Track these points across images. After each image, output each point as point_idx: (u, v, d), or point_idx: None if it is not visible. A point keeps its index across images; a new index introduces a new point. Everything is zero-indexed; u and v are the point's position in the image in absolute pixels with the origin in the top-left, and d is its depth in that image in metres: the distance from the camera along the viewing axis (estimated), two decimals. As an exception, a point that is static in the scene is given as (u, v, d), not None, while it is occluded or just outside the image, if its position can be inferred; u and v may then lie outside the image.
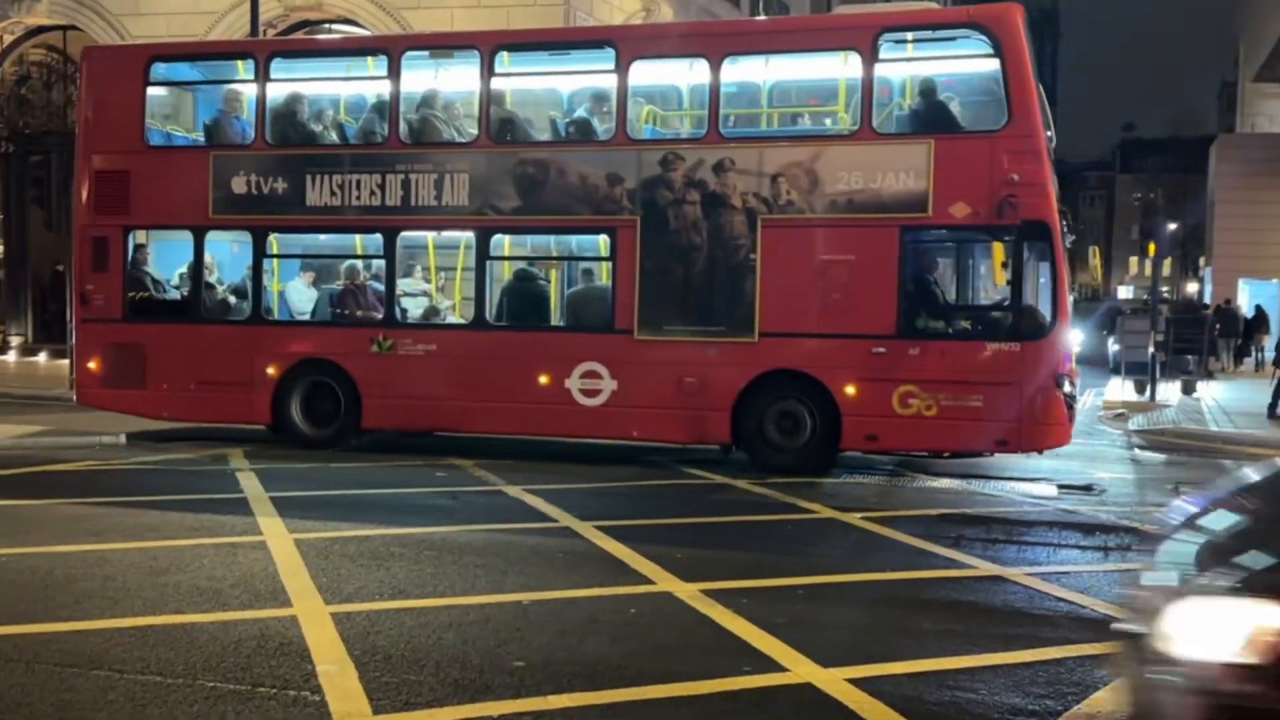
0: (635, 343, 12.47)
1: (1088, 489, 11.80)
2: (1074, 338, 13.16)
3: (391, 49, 13.62)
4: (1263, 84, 44.14)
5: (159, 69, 14.21)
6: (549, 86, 14.28)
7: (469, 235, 13.32)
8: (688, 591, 7.26)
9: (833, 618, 6.85)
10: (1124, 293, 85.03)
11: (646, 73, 13.12)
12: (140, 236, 14.11)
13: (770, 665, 5.87)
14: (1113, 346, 25.43)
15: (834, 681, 5.63)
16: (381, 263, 13.50)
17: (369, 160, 13.37)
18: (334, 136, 14.10)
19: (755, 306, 12.07)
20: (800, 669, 5.81)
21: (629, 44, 12.89)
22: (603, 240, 12.91)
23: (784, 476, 11.71)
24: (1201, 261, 49.08)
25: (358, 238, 14.00)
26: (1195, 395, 22.54)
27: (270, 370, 13.53)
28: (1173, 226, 73.11)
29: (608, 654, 6.02)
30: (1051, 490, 11.72)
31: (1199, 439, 16.62)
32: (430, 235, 14.08)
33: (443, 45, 14.65)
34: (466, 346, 13.15)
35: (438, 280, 14.74)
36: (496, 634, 6.32)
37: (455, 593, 7.17)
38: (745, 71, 13.23)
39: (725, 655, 6.03)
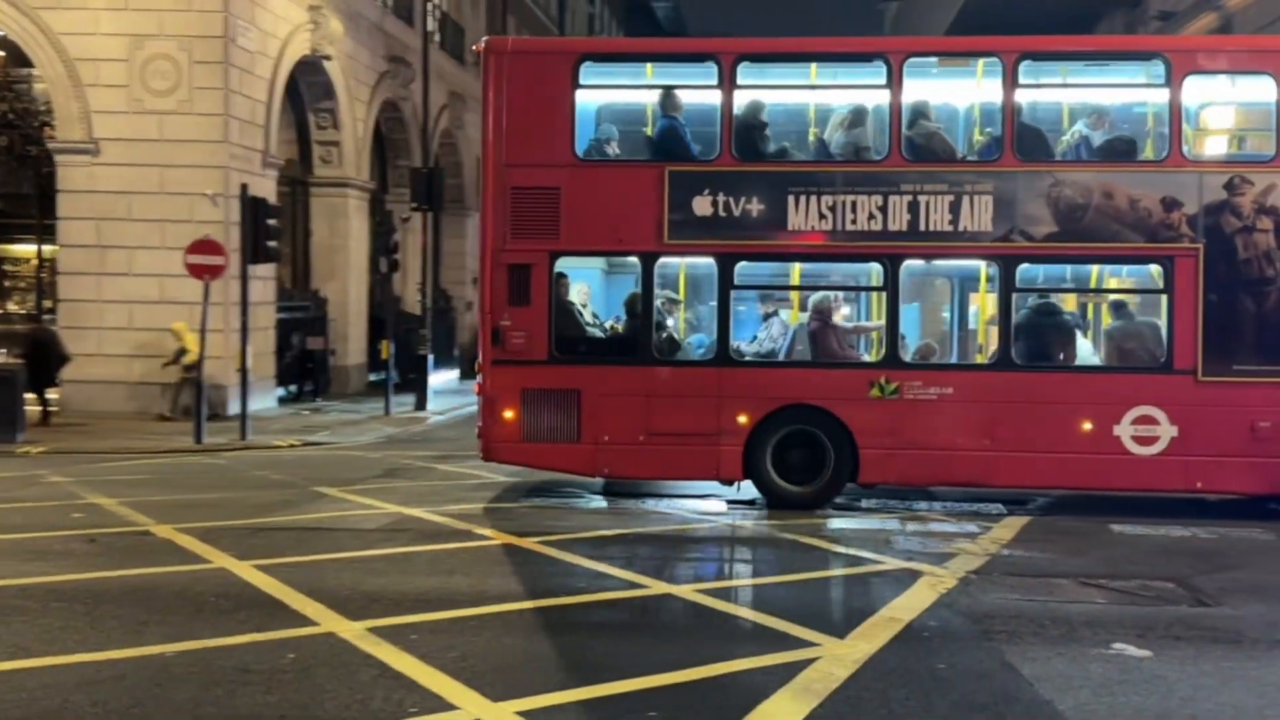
0: (1199, 384, 11.50)
1: (752, 503, 12.27)
2: None
3: (891, 56, 12.06)
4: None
5: (591, 70, 12.27)
6: (1080, 100, 12.63)
7: (989, 265, 11.92)
8: (353, 631, 6.90)
9: (505, 648, 6.70)
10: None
11: (1202, 89, 12.15)
12: (563, 264, 12.12)
13: (437, 704, 5.65)
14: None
15: (504, 716, 5.48)
16: (879, 295, 12.14)
17: (867, 179, 11.85)
18: (814, 151, 12.49)
19: None
20: (470, 705, 5.62)
21: (1182, 57, 11.82)
22: (1155, 270, 11.86)
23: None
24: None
25: (852, 266, 12.54)
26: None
27: (742, 419, 11.85)
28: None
29: (263, 706, 5.60)
30: (720, 506, 12.11)
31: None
32: (941, 264, 12.46)
33: (954, 52, 13.31)
34: (988, 390, 11.79)
35: (952, 315, 13.15)
36: (133, 692, 5.74)
37: (87, 648, 6.48)
38: None
39: (391, 695, 5.75)
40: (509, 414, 11.94)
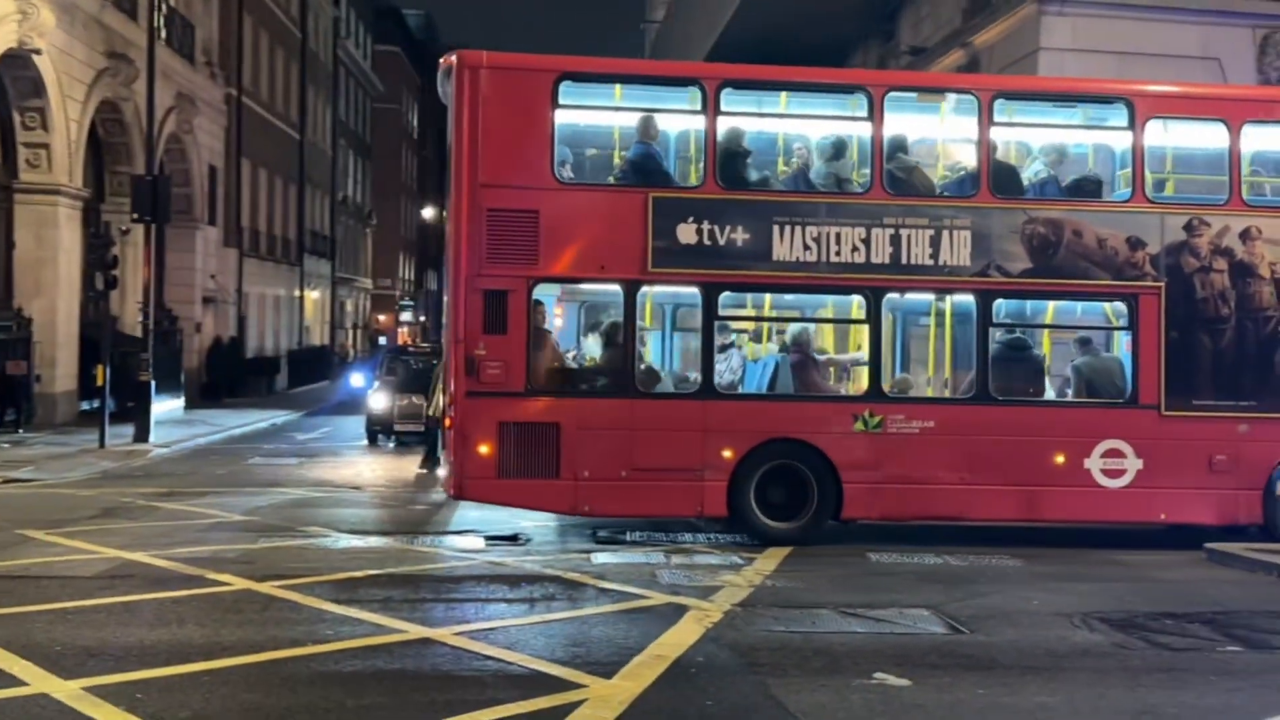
0: (1162, 419, 12.18)
1: (514, 539, 12.25)
2: None
3: (873, 88, 12.36)
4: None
5: (570, 90, 12.02)
6: (1049, 140, 13.05)
7: (966, 298, 12.30)
8: (68, 691, 6.45)
9: (246, 706, 6.41)
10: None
11: (1162, 133, 12.85)
12: (542, 291, 11.92)
13: (170, 769, 5.34)
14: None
15: (246, 779, 5.24)
16: (860, 328, 12.39)
17: (851, 211, 12.10)
18: (796, 181, 12.55)
19: None
20: (206, 769, 5.34)
21: (1146, 101, 12.56)
22: (1117, 307, 12.61)
23: None
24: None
25: (831, 299, 12.78)
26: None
27: (727, 453, 11.81)
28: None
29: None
30: (479, 543, 12.02)
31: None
32: (918, 297, 12.65)
33: (933, 88, 13.77)
34: (969, 423, 12.16)
35: (932, 348, 13.15)
36: None
37: None
38: (1265, 139, 13.13)
39: (114, 764, 5.40)
40: (484, 449, 11.68)
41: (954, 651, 7.86)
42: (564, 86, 12.02)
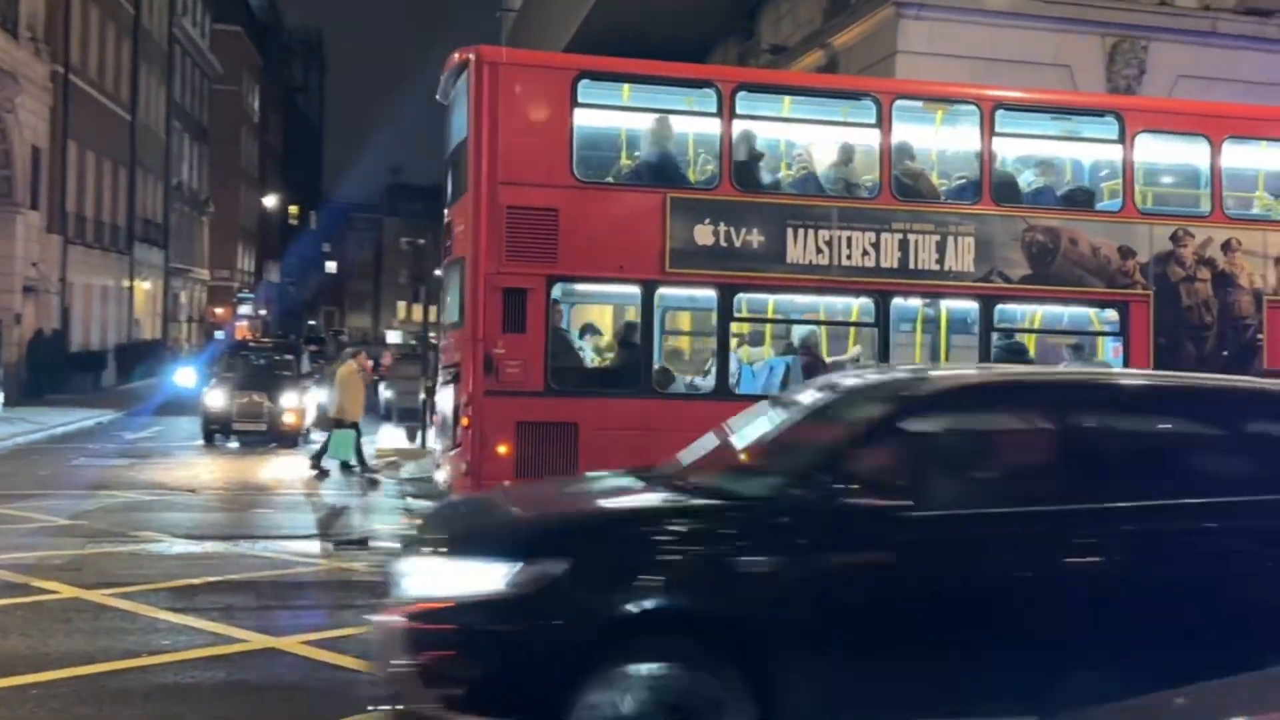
0: None
1: (363, 543, 12.03)
2: None
3: (881, 96, 12.76)
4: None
5: (589, 89, 12.14)
6: (1049, 151, 13.72)
7: (970, 304, 12.80)
8: (-124, 711, 6.08)
9: (76, 719, 6.15)
10: (393, 337, 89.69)
11: (1151, 146, 13.45)
12: (560, 290, 11.94)
13: (-6, 793, 5.08)
14: (385, 393, 26.50)
15: (79, 801, 5.02)
16: (869, 330, 12.73)
17: (862, 215, 12.48)
18: (807, 185, 12.80)
19: None
20: (34, 791, 5.10)
21: (1135, 115, 13.28)
22: (1110, 314, 13.17)
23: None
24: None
25: (841, 301, 12.97)
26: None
27: None
28: (439, 272, 78.64)
29: None
30: (328, 547, 11.77)
31: (469, 485, 17.83)
32: (923, 301, 13.01)
33: (938, 98, 13.86)
34: None
35: (936, 350, 13.44)
36: None
37: None
38: (1242, 155, 13.77)
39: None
40: (502, 449, 11.60)
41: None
42: (583, 85, 12.17)
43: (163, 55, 50.04)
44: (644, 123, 12.82)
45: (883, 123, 12.59)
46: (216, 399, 22.58)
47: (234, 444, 22.01)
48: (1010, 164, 13.53)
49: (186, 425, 25.15)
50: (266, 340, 44.25)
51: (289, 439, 22.59)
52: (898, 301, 12.70)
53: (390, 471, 18.59)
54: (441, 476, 13.15)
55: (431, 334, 26.48)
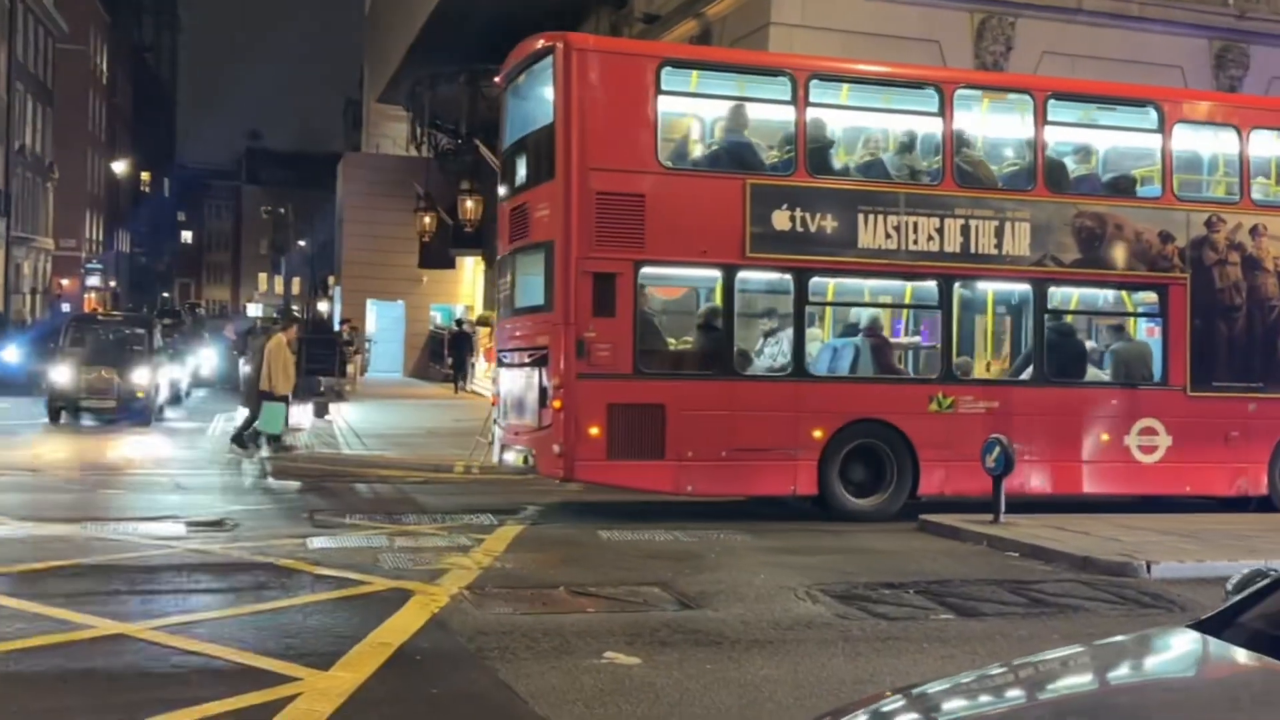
0: (1189, 398, 13.76)
1: (219, 524, 11.82)
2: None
3: (944, 85, 13.53)
4: (386, 106, 48.63)
5: (672, 76, 12.77)
6: (1087, 140, 14.52)
7: (1023, 287, 13.76)
8: None
9: (-92, 715, 5.94)
10: (253, 310, 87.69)
11: (1187, 136, 14.25)
12: (646, 274, 12.50)
13: None
14: (244, 368, 25.93)
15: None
16: (932, 313, 13.59)
17: (926, 202, 13.20)
18: (876, 171, 13.42)
19: None
20: None
21: (1172, 106, 14.12)
22: (1150, 296, 14.19)
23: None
24: (331, 280, 52.49)
25: (909, 285, 13.82)
26: (328, 418, 23.89)
27: (817, 433, 12.72)
28: (303, 243, 77.17)
29: None
30: (180, 529, 11.54)
31: (331, 463, 17.63)
32: (984, 285, 14.05)
33: (996, 87, 14.91)
34: (1028, 403, 13.44)
35: (992, 332, 14.63)
36: None
37: None
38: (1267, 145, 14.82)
39: None
40: (594, 431, 12.11)
41: (683, 627, 8.14)
42: (665, 72, 12.69)
43: (4, 12, 47.98)
44: (723, 110, 13.35)
45: (945, 111, 13.32)
46: (62, 375, 21.86)
47: (89, 421, 21.31)
48: (1060, 151, 14.35)
49: (28, 404, 24.29)
50: (116, 313, 42.94)
51: (141, 416, 22.00)
52: (959, 285, 13.54)
53: (251, 450, 18.22)
54: (510, 458, 13.52)
55: (294, 306, 26.05)
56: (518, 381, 13.31)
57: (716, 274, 12.84)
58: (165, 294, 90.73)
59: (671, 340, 13.31)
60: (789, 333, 13.10)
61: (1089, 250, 13.78)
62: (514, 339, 13.67)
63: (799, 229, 12.81)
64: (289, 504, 13.72)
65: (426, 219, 39.29)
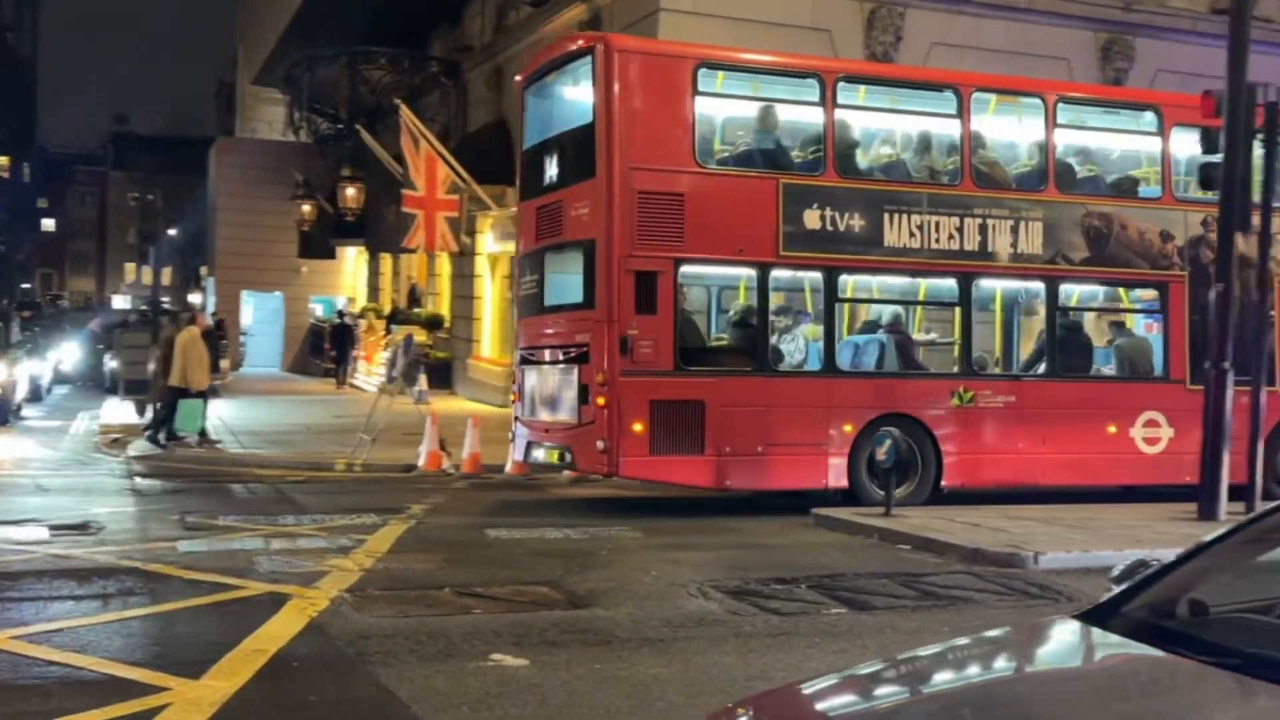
0: (1188, 391, 14.09)
1: (84, 528, 11.49)
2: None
3: (962, 88, 14.09)
4: (261, 88, 47.67)
5: (708, 77, 13.25)
6: (1093, 143, 15.22)
7: (1036, 284, 14.44)
8: None
9: None
10: (120, 302, 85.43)
11: (1185, 138, 14.43)
12: (685, 273, 12.98)
13: None
14: (110, 364, 25.28)
15: None
16: (953, 310, 14.24)
17: (946, 201, 13.79)
18: (899, 172, 14.06)
19: (1276, 359, 14.12)
20: None
21: (1170, 109, 14.65)
22: (1151, 293, 14.90)
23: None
24: (204, 271, 51.33)
25: (924, 282, 14.41)
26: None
27: (847, 428, 13.25)
28: (173, 232, 75.26)
29: None
30: (43, 533, 11.19)
31: (205, 462, 17.23)
32: (1000, 282, 14.63)
33: (1010, 90, 15.17)
34: (1042, 397, 14.08)
35: (1011, 329, 15.35)
36: None
37: None
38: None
39: None
40: (638, 427, 12.49)
41: (572, 627, 8.11)
42: (702, 73, 13.16)
43: None
44: (758, 110, 13.83)
45: (962, 113, 13.96)
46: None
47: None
48: (1070, 154, 15.04)
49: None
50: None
51: (-2, 414, 21.29)
52: (978, 282, 14.17)
53: (116, 449, 17.75)
54: (540, 455, 13.68)
55: (164, 299, 25.36)
56: (551, 378, 13.56)
57: (752, 272, 13.45)
58: (26, 285, 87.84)
59: (709, 337, 13.99)
60: (820, 329, 13.78)
61: (1096, 249, 14.54)
62: (545, 337, 13.85)
63: (828, 228, 13.40)
64: (158, 506, 13.39)
65: (305, 207, 38.65)
